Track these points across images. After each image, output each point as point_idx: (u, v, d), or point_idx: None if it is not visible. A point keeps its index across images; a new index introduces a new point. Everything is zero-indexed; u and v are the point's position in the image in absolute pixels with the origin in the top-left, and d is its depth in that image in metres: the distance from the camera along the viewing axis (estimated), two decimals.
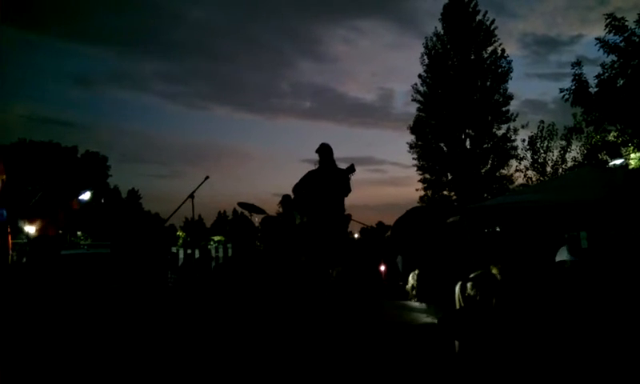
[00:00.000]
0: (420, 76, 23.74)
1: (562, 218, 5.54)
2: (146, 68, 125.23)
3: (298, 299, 3.28)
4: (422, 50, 23.69)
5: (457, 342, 2.99)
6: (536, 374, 2.74)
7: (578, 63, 12.23)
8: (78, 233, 38.22)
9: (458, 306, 3.13)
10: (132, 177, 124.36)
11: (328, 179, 5.95)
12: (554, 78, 69.20)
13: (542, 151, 18.21)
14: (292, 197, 6.56)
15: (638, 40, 11.06)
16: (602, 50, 11.54)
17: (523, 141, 19.05)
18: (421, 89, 23.72)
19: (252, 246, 3.75)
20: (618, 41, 11.30)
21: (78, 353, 3.19)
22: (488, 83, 22.35)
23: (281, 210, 7.66)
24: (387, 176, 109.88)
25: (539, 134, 18.29)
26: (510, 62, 22.50)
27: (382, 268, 7.39)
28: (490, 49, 22.50)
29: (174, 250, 14.02)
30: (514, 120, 21.98)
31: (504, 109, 22.28)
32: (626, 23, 11.15)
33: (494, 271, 3.13)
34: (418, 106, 23.82)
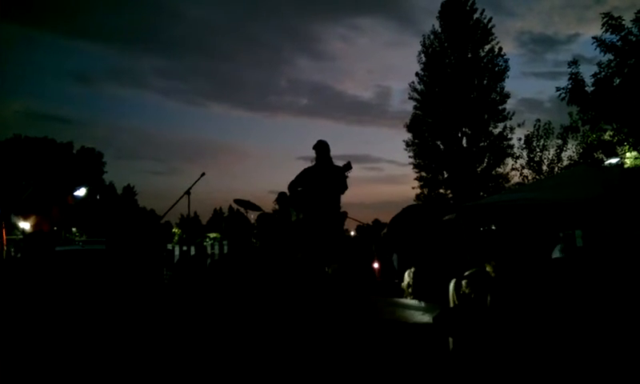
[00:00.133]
0: (417, 74, 23.79)
1: (558, 217, 5.55)
2: (144, 65, 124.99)
3: (293, 296, 3.27)
4: (420, 48, 23.74)
5: (451, 339, 2.99)
6: (529, 371, 2.74)
7: (574, 62, 12.27)
8: (73, 229, 38.04)
9: (451, 304, 3.14)
10: (128, 173, 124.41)
11: (324, 176, 5.94)
12: (551, 76, 69.47)
13: (537, 150, 18.25)
14: (288, 194, 6.55)
15: (634, 39, 11.09)
16: (598, 49, 11.59)
17: (519, 139, 19.10)
18: (418, 87, 23.76)
19: (248, 242, 3.74)
20: (614, 40, 11.34)
21: (73, 349, 3.17)
22: (485, 82, 22.39)
23: (277, 207, 7.64)
24: (383, 174, 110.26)
25: (535, 133, 18.33)
26: (506, 61, 22.57)
27: (376, 265, 7.39)
28: (486, 47, 22.54)
29: (169, 246, 13.95)
30: (511, 119, 22.08)
31: (500, 107, 22.34)
32: (623, 22, 11.18)
33: (488, 269, 3.13)
34: (414, 104, 23.88)
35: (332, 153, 6.15)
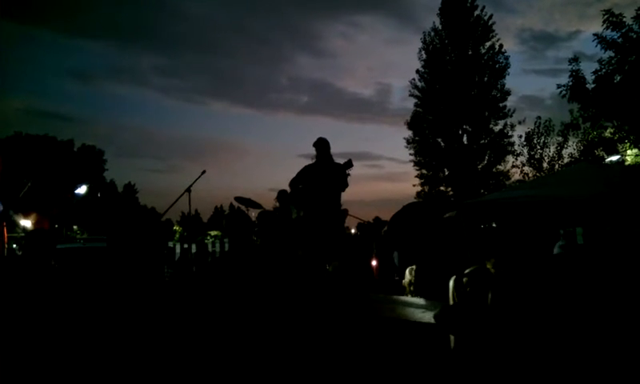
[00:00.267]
0: (418, 71, 23.76)
1: (559, 214, 5.55)
2: (144, 63, 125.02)
3: (294, 293, 3.28)
4: (420, 45, 23.71)
5: (452, 337, 3.00)
6: (532, 369, 2.75)
7: (575, 59, 12.24)
8: (74, 227, 38.09)
9: (451, 302, 3.14)
10: (129, 171, 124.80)
11: (325, 174, 5.94)
12: (552, 73, 69.27)
13: (538, 147, 18.23)
14: (289, 191, 6.55)
15: (635, 36, 11.06)
16: (599, 46, 11.56)
17: (520, 137, 19.07)
18: (418, 84, 23.74)
19: (249, 240, 3.75)
20: (615, 37, 11.32)
21: (74, 346, 3.18)
22: (485, 79, 22.36)
23: (277, 205, 7.64)
24: (384, 171, 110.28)
25: (536, 130, 18.30)
26: (507, 58, 22.55)
27: (374, 263, 7.40)
28: (487, 44, 22.51)
29: (170, 244, 13.99)
30: (511, 116, 22.08)
31: (501, 104, 22.33)
32: (624, 19, 11.15)
33: (489, 266, 3.14)
34: (415, 101, 23.87)
35: (332, 150, 6.15)
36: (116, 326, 3.47)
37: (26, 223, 5.66)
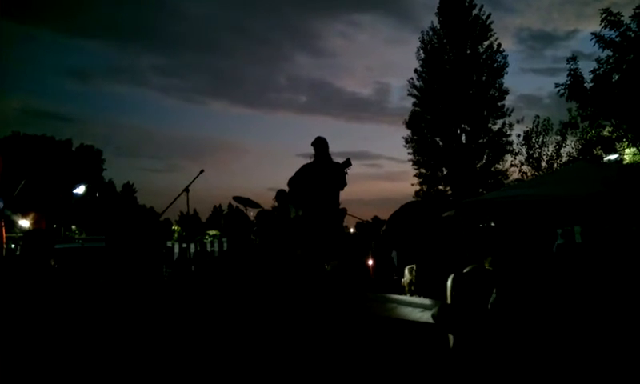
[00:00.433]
0: (416, 70, 23.79)
1: (557, 213, 5.56)
2: (143, 63, 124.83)
3: (292, 292, 3.28)
4: (419, 44, 23.73)
5: (451, 337, 3.00)
6: (531, 369, 2.75)
7: (573, 58, 12.23)
8: (73, 226, 38.03)
9: (449, 301, 3.14)
10: (127, 171, 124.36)
11: (323, 173, 5.94)
12: (550, 72, 69.52)
13: (537, 146, 18.25)
14: (287, 191, 6.54)
15: (633, 35, 11.06)
16: (597, 45, 11.54)
17: (518, 136, 19.08)
18: (417, 83, 23.76)
19: (247, 240, 3.74)
20: (613, 36, 11.31)
21: (72, 345, 3.17)
22: (484, 78, 22.39)
23: (276, 204, 7.64)
24: (383, 171, 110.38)
25: (534, 129, 18.31)
26: (505, 57, 22.62)
27: (370, 262, 7.40)
28: (485, 43, 22.55)
29: (169, 244, 13.99)
30: (510, 115, 22.12)
31: (499, 104, 22.36)
32: (622, 18, 11.15)
33: (487, 265, 3.14)
34: (414, 100, 23.90)
35: (331, 149, 6.15)
36: (115, 325, 3.47)
37: (24, 223, 5.66)
